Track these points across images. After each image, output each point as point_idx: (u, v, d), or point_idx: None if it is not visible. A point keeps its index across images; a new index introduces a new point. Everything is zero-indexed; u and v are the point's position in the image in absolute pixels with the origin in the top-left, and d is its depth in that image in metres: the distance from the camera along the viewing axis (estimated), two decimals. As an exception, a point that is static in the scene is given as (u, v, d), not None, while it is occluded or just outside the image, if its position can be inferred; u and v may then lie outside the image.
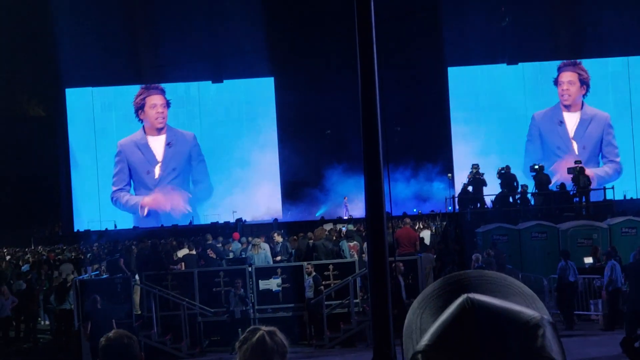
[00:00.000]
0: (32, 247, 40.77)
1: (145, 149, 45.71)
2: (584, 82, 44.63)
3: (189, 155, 45.95)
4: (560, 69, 44.61)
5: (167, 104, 45.88)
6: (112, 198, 45.36)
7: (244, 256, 23.77)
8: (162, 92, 45.84)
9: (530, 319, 1.41)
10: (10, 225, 43.35)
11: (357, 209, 39.90)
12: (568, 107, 44.65)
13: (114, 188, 45.46)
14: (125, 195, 45.03)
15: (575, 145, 44.22)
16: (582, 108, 44.64)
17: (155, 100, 45.78)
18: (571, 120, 44.62)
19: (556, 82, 44.69)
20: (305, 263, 21.44)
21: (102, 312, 17.16)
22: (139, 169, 45.71)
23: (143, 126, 46.03)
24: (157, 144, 45.90)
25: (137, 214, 44.73)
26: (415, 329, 1.51)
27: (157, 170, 45.72)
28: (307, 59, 44.69)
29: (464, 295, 1.46)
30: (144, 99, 45.72)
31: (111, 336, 4.93)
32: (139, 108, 45.77)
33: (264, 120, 46.19)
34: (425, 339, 1.43)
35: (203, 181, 45.99)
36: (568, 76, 44.53)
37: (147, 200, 44.81)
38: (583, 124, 44.48)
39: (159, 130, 45.93)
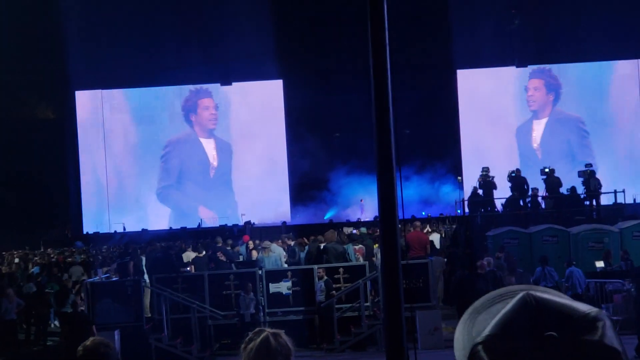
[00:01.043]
0: (42, 250, 40.78)
1: (198, 146, 46.00)
2: (552, 89, 45.05)
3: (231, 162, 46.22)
4: (530, 75, 44.98)
5: (216, 107, 46.13)
6: (158, 194, 45.64)
7: (254, 259, 23.78)
8: (211, 95, 46.03)
9: (590, 312, 1.43)
10: (19, 228, 43.34)
11: (365, 211, 39.88)
12: (535, 113, 45.02)
13: (163, 184, 45.78)
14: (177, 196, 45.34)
15: (539, 153, 44.41)
16: (550, 114, 44.96)
17: (207, 102, 46.23)
18: (538, 127, 44.88)
19: (526, 89, 45.16)
20: (316, 267, 21.42)
21: (82, 317, 17.17)
22: (193, 167, 46.05)
23: (193, 127, 46.16)
24: (209, 147, 46.16)
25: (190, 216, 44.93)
26: (469, 337, 1.51)
27: (211, 172, 45.99)
28: (316, 61, 44.69)
29: (524, 291, 1.48)
30: (196, 102, 45.94)
31: (88, 345, 4.85)
32: (190, 111, 45.96)
33: (272, 123, 46.15)
34: (486, 331, 1.44)
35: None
36: (534, 83, 45.11)
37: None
38: (548, 129, 44.67)
39: (210, 132, 46.15)
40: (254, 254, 24.60)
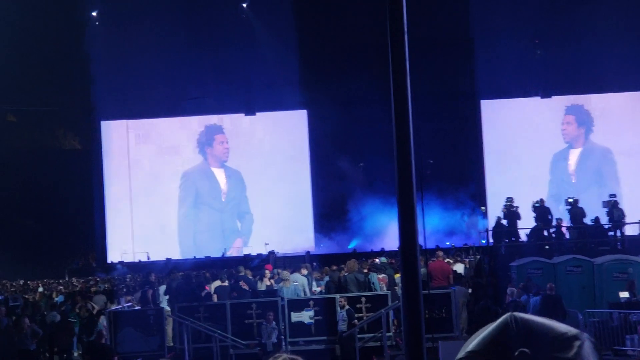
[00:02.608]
0: (66, 279, 40.93)
1: (212, 177, 46.67)
2: (583, 123, 45.33)
3: (242, 189, 46.54)
4: (566, 111, 45.43)
5: (228, 141, 46.69)
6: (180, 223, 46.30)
7: (275, 288, 23.78)
8: (223, 130, 46.77)
9: (567, 332, 1.46)
10: (44, 257, 43.57)
11: (390, 241, 39.75)
12: (567, 141, 45.40)
13: (184, 212, 46.45)
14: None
15: (574, 178, 44.72)
16: (584, 144, 45.32)
17: (221, 138, 46.78)
18: (574, 155, 45.20)
19: (561, 123, 45.47)
20: (338, 296, 21.38)
21: (105, 347, 17.18)
22: (207, 193, 46.54)
23: (206, 158, 46.64)
24: (220, 176, 46.66)
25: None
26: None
27: (223, 197, 46.47)
28: (340, 91, 44.79)
29: (508, 313, 1.53)
30: (213, 136, 46.67)
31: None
32: (206, 143, 46.48)
33: (296, 153, 46.24)
34: (468, 347, 1.49)
35: (248, 213, 46.49)
36: (567, 118, 45.36)
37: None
38: (582, 159, 45.01)
39: (222, 163, 46.66)
40: (266, 281, 24.65)
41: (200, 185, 46.77)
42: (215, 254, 44.19)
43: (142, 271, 39.06)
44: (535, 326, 1.52)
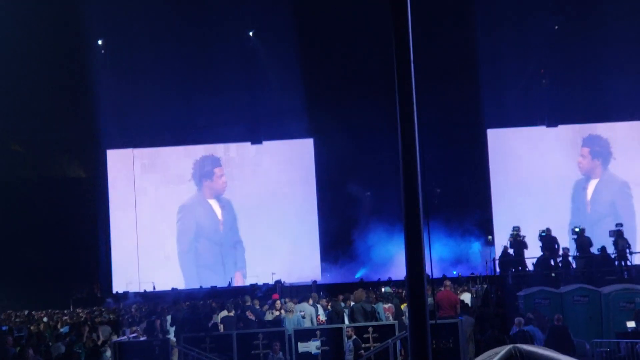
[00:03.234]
0: (71, 309, 40.79)
1: (208, 208, 46.49)
2: (599, 155, 45.31)
3: (234, 220, 46.42)
4: (582, 143, 45.49)
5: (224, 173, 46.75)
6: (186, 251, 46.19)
7: (270, 319, 23.70)
8: (221, 163, 46.76)
9: None
10: (49, 287, 43.44)
11: (398, 270, 39.58)
12: (583, 173, 45.54)
13: (181, 247, 46.23)
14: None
15: (589, 208, 44.53)
16: (601, 175, 45.27)
17: (220, 171, 46.80)
18: (592, 186, 45.21)
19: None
20: (345, 326, 21.26)
21: None
22: (206, 226, 46.40)
23: (200, 189, 46.53)
24: (216, 206, 46.46)
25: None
26: None
27: (221, 228, 46.31)
28: (347, 120, 44.81)
29: (511, 345, 1.49)
30: (213, 169, 46.61)
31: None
32: (205, 175, 46.46)
33: (303, 181, 46.22)
34: None
35: (240, 243, 46.32)
36: (582, 151, 45.51)
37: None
38: (598, 190, 45.01)
39: (217, 195, 46.58)
40: (275, 312, 24.52)
41: (199, 218, 46.72)
42: (221, 283, 44.11)
43: (148, 301, 38.97)
44: (539, 358, 1.47)
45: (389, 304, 24.53)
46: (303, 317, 23.53)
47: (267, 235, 45.69)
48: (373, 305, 23.27)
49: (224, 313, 24.99)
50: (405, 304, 23.45)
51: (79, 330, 26.55)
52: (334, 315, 23.36)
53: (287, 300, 26.16)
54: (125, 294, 43.13)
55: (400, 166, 6.77)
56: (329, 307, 25.19)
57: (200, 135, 46.16)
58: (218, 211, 46.64)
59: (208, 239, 46.42)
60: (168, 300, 35.62)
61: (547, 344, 18.70)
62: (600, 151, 45.23)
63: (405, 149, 6.92)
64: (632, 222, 43.00)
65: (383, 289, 28.26)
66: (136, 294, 42.96)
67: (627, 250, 30.49)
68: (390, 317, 23.43)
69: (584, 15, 42.57)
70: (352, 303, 23.20)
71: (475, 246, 44.20)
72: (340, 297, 26.12)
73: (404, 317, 22.94)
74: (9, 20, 39.92)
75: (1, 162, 47.03)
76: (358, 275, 43.91)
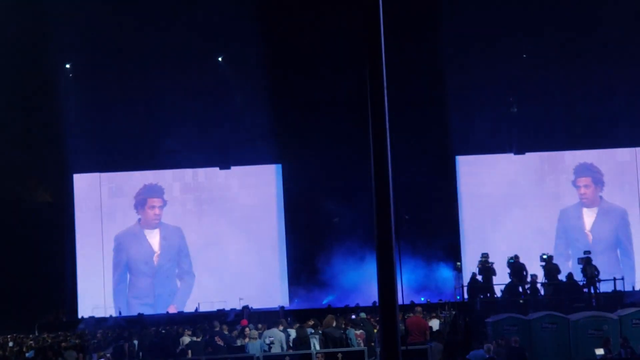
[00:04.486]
0: (36, 334, 40.39)
1: (144, 240, 45.85)
2: (599, 182, 45.45)
3: (179, 249, 46.02)
4: (576, 174, 45.56)
5: (164, 204, 46.17)
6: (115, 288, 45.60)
7: (239, 344, 23.60)
8: (162, 194, 46.27)
9: None
10: (14, 311, 43.02)
11: (365, 297, 39.53)
12: (587, 205, 45.54)
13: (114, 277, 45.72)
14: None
15: (590, 237, 44.49)
16: (599, 204, 45.58)
17: (154, 202, 46.36)
18: (588, 215, 45.20)
19: (574, 183, 45.31)
20: (314, 351, 21.19)
21: None
22: (138, 258, 45.86)
23: (139, 220, 46.17)
24: (153, 237, 46.05)
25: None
26: None
27: (155, 259, 45.80)
28: (315, 146, 44.82)
29: None
30: (146, 199, 46.13)
31: None
32: (139, 205, 46.07)
33: (271, 206, 46.18)
34: None
35: (188, 273, 45.96)
36: (583, 181, 45.62)
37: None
38: (599, 219, 45.14)
39: (153, 227, 46.19)
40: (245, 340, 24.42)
41: (131, 251, 46.32)
42: (189, 309, 43.93)
43: (109, 326, 38.69)
44: None
45: (360, 330, 24.49)
46: (272, 342, 23.43)
47: (235, 259, 45.54)
48: (344, 331, 23.20)
49: (187, 339, 24.87)
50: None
51: (44, 354, 26.33)
52: (298, 342, 23.31)
53: (250, 327, 25.98)
54: (92, 318, 42.77)
55: (373, 193, 6.76)
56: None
57: (169, 160, 45.98)
58: (155, 242, 46.24)
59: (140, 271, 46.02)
60: (134, 326, 35.42)
61: None
62: (600, 179, 45.55)
63: (378, 176, 6.91)
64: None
65: (359, 315, 28.16)
66: (101, 318, 42.60)
67: (596, 278, 30.64)
68: (362, 343, 23.39)
69: (553, 44, 42.91)
70: (321, 329, 23.14)
71: (444, 272, 44.22)
72: (310, 322, 26.01)
73: (373, 344, 22.90)
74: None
75: (-33, 186, 46.66)
76: (325, 302, 43.80)
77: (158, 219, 46.29)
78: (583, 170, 45.54)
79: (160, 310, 44.56)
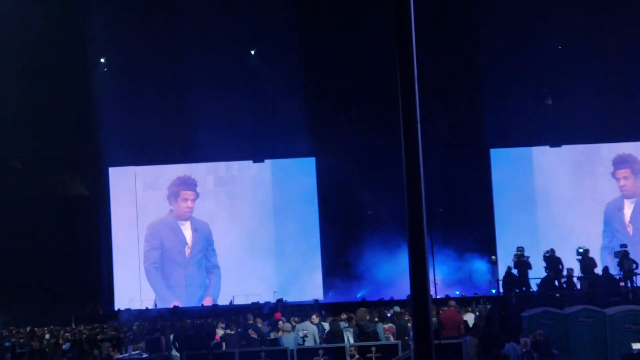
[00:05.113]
0: (73, 326, 40.67)
1: (177, 229, 46.01)
2: (639, 173, 45.18)
3: (209, 241, 46.17)
4: (615, 165, 45.10)
5: (197, 197, 46.29)
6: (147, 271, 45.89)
7: (272, 337, 23.60)
8: (194, 186, 46.32)
9: None
10: (51, 304, 43.37)
11: (400, 290, 39.45)
12: (628, 196, 45.19)
13: (146, 264, 45.97)
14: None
15: (630, 229, 44.21)
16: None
17: (187, 195, 46.46)
18: (629, 206, 44.87)
19: (613, 175, 44.99)
20: (347, 345, 21.16)
21: None
22: (172, 247, 46.01)
23: (172, 210, 46.32)
24: (185, 228, 46.18)
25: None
26: None
27: (187, 250, 45.92)
28: (349, 138, 44.77)
29: None
30: (179, 191, 46.25)
31: None
32: (172, 196, 46.20)
33: (305, 200, 46.14)
34: None
35: (216, 267, 46.22)
36: (623, 173, 45.17)
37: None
38: (637, 209, 44.71)
39: (185, 219, 46.24)
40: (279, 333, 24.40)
41: (165, 240, 46.49)
42: (223, 302, 44.05)
43: (145, 318, 38.85)
44: None
45: (389, 324, 24.42)
46: (305, 336, 23.42)
47: (269, 253, 45.61)
48: (376, 324, 23.16)
49: (222, 331, 24.91)
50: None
51: (80, 347, 26.49)
52: (331, 335, 23.29)
53: (283, 320, 25.96)
54: (128, 310, 42.98)
55: (404, 185, 6.70)
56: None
57: (203, 153, 46.10)
58: (187, 233, 46.38)
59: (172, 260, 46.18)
60: (169, 318, 35.55)
61: None
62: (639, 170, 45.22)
63: (409, 168, 6.85)
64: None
65: (392, 308, 28.06)
66: (137, 311, 42.79)
67: (634, 271, 30.36)
68: (391, 337, 23.32)
69: (588, 35, 42.55)
70: (355, 322, 23.12)
71: (479, 266, 44.05)
72: (343, 316, 25.98)
73: (406, 337, 22.84)
74: (13, 39, 39.97)
75: (3, 179, 47.03)
76: (359, 295, 43.77)
77: (190, 212, 46.41)
78: (621, 161, 45.12)
79: (192, 302, 44.69)
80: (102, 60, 45.72)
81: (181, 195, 46.40)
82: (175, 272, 45.86)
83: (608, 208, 44.99)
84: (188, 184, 46.45)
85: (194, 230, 46.33)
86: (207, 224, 46.40)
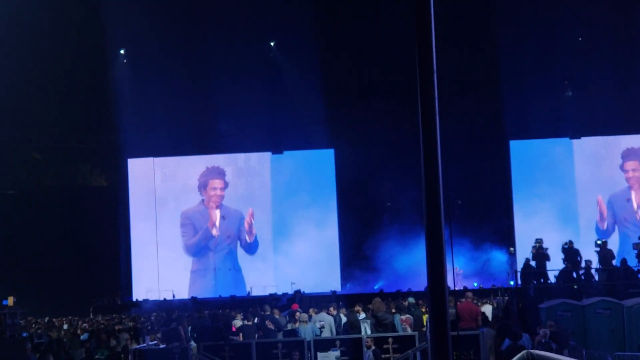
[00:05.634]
0: (91, 316, 40.88)
1: (207, 217, 46.04)
2: None
3: (238, 229, 46.25)
4: (623, 157, 44.87)
5: (225, 186, 46.38)
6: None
7: (290, 328, 23.63)
8: (223, 175, 46.42)
9: None
10: (69, 294, 43.58)
11: (418, 281, 39.46)
12: (633, 188, 44.82)
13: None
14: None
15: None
16: None
17: (216, 184, 46.64)
18: (637, 197, 44.63)
19: (622, 168, 44.65)
20: (365, 336, 21.18)
21: None
22: (202, 231, 46.08)
23: (203, 200, 46.37)
24: (215, 216, 46.25)
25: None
26: None
27: (215, 234, 46.08)
28: (368, 131, 44.78)
29: (525, 351, 1.45)
30: (207, 180, 46.34)
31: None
32: (202, 186, 46.30)
33: (323, 192, 46.19)
34: None
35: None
36: (631, 165, 44.98)
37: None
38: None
39: (215, 206, 46.31)
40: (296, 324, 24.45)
41: (197, 224, 46.70)
42: (241, 292, 44.14)
43: (163, 309, 39.00)
44: None
45: (406, 315, 24.42)
46: (322, 327, 23.47)
47: (287, 244, 45.69)
48: (393, 316, 23.17)
49: (240, 322, 24.99)
50: (427, 315, 23.38)
51: (98, 337, 26.58)
52: (349, 326, 23.33)
53: (300, 311, 26.01)
54: (146, 301, 43.15)
55: (422, 177, 6.71)
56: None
57: (221, 145, 46.22)
58: (217, 221, 46.57)
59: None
60: (187, 309, 35.67)
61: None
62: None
63: (428, 161, 6.86)
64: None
65: (407, 300, 28.09)
66: (155, 302, 42.95)
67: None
68: (408, 329, 23.32)
69: (609, 27, 42.37)
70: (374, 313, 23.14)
71: (497, 258, 44.02)
72: (358, 307, 26.01)
73: (423, 329, 22.86)
74: (33, 32, 40.13)
75: (23, 171, 47.27)
76: (377, 286, 43.81)
77: (220, 200, 46.53)
78: (630, 154, 44.95)
79: (222, 290, 44.84)
80: (122, 51, 45.87)
81: (210, 185, 46.55)
82: (206, 259, 46.11)
83: (612, 199, 44.83)
84: (217, 173, 46.64)
85: (222, 218, 46.44)
86: (239, 211, 46.62)
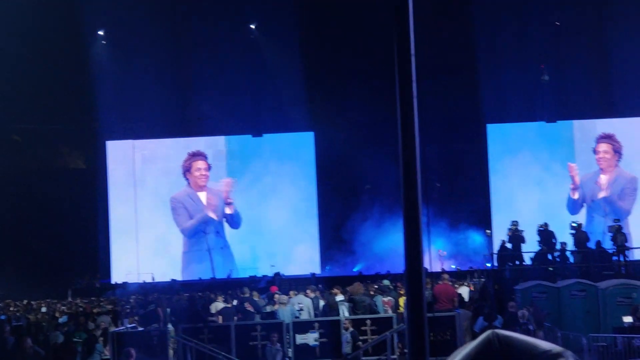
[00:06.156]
0: (69, 299, 40.84)
1: (196, 198, 46.14)
2: (617, 152, 44.99)
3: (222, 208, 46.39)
4: (597, 141, 44.99)
5: (209, 168, 46.36)
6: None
7: (269, 310, 23.77)
8: (205, 158, 46.38)
9: (552, 349, 1.48)
10: (48, 277, 43.50)
11: (397, 263, 39.67)
12: (603, 171, 44.98)
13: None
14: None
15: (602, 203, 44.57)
16: (614, 171, 45.27)
17: (200, 164, 46.42)
18: (604, 180, 44.89)
19: (594, 150, 44.86)
20: (343, 318, 21.35)
21: None
22: (193, 213, 46.23)
23: (189, 183, 46.41)
24: (202, 197, 46.27)
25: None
26: None
27: (212, 216, 46.26)
28: (347, 113, 44.89)
29: (489, 330, 1.55)
30: (190, 163, 46.31)
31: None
32: (186, 170, 46.31)
33: (303, 174, 46.26)
34: None
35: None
36: (603, 147, 45.15)
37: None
38: (611, 184, 44.70)
39: (201, 188, 46.29)
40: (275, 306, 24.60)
41: (187, 207, 46.72)
42: (221, 275, 44.18)
43: (142, 292, 39.00)
44: (517, 343, 1.54)
45: (388, 297, 24.62)
46: (301, 309, 23.63)
47: (267, 227, 45.76)
48: (372, 298, 23.35)
49: (220, 305, 25.08)
50: (403, 298, 23.55)
51: (77, 320, 26.60)
52: (327, 309, 23.49)
53: (279, 293, 26.15)
54: (125, 284, 43.11)
55: (400, 160, 6.82)
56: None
57: (201, 127, 46.19)
58: (205, 202, 46.59)
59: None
60: (167, 291, 35.69)
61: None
62: (618, 147, 45.19)
63: (405, 144, 6.96)
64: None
65: (382, 282, 28.31)
66: (134, 284, 42.90)
67: (626, 245, 30.62)
68: (389, 310, 23.51)
69: (585, 10, 42.58)
70: (351, 296, 23.31)
71: (474, 240, 44.27)
72: (336, 289, 26.18)
73: (399, 310, 23.06)
74: (10, 11, 39.93)
75: (1, 152, 47.08)
76: (356, 269, 43.97)
77: (205, 179, 46.53)
78: (603, 137, 45.22)
79: (217, 270, 44.88)
80: (101, 32, 45.69)
81: (194, 167, 46.54)
82: (197, 240, 46.15)
83: (583, 182, 45.10)
84: (198, 154, 46.59)
85: (208, 200, 46.45)
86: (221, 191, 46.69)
